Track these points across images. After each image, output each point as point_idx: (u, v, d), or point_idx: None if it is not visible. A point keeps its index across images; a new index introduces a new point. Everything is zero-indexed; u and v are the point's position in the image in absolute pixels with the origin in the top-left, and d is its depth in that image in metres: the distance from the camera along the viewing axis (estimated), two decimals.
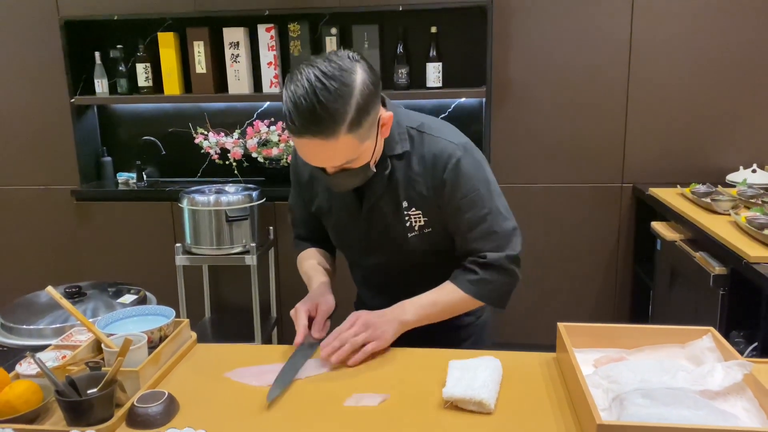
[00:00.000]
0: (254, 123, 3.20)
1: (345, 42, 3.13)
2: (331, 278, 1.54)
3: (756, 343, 1.87)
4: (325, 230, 1.54)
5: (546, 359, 1.30)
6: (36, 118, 3.30)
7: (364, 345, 1.29)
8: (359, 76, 1.17)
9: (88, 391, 1.07)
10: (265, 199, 2.90)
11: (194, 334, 1.40)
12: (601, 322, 1.33)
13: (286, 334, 3.15)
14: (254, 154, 3.13)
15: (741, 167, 2.91)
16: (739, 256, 1.94)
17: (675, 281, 2.52)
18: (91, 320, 1.25)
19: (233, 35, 3.13)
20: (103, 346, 1.19)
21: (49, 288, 1.26)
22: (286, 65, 3.18)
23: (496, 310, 1.51)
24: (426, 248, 1.41)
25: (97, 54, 3.24)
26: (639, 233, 3.05)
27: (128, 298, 2.18)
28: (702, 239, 2.25)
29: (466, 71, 3.14)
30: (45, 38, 3.18)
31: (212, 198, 2.75)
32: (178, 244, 2.79)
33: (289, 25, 3.09)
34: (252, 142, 3.11)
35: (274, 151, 3.08)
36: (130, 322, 1.35)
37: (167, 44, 3.16)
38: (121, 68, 3.25)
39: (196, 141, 3.19)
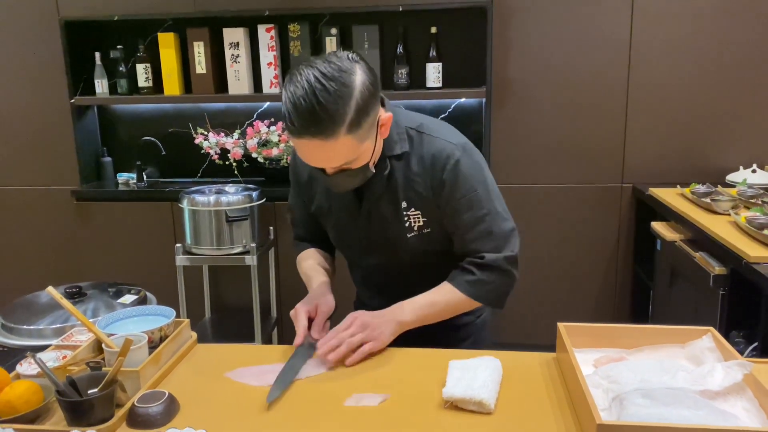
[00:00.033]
0: (254, 123, 3.20)
1: (345, 42, 3.13)
2: (330, 278, 1.54)
3: (756, 343, 1.87)
4: (324, 230, 1.54)
5: (546, 359, 1.30)
6: (36, 119, 3.30)
7: (361, 345, 1.30)
8: (358, 77, 1.17)
9: (89, 391, 1.08)
10: (265, 199, 2.90)
11: (194, 334, 1.40)
12: (601, 322, 1.33)
13: (286, 334, 3.16)
14: (254, 155, 3.13)
15: (741, 167, 2.92)
16: (738, 256, 1.94)
17: (675, 281, 2.52)
18: (91, 320, 1.25)
19: (233, 35, 3.13)
20: (103, 346, 1.19)
21: (50, 288, 1.26)
22: (286, 65, 3.18)
23: (494, 310, 1.52)
24: (425, 248, 1.41)
25: (97, 54, 3.25)
26: (639, 233, 3.05)
27: (128, 298, 2.18)
28: (702, 239, 2.25)
29: (466, 71, 3.14)
30: (45, 39, 3.18)
31: (212, 198, 2.75)
32: (178, 245, 2.79)
33: (289, 26, 3.10)
34: (252, 143, 3.11)
35: (274, 152, 3.08)
36: (131, 322, 1.35)
37: (167, 44, 3.17)
38: (121, 68, 3.25)
39: (196, 141, 3.19)
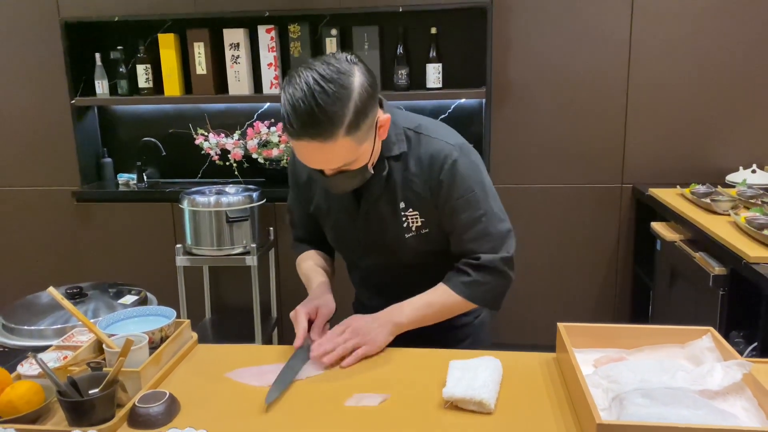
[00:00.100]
0: (254, 124, 3.20)
1: (345, 43, 3.13)
2: (330, 279, 1.55)
3: (755, 343, 1.87)
4: (323, 231, 1.55)
5: (546, 359, 1.30)
6: (37, 120, 3.30)
7: (355, 350, 1.30)
8: (357, 78, 1.17)
9: (90, 392, 1.08)
10: (265, 199, 2.90)
11: (195, 335, 1.41)
12: (601, 322, 1.33)
13: (286, 335, 3.16)
14: (254, 155, 3.13)
15: (741, 167, 2.92)
16: (738, 256, 1.94)
17: (675, 281, 2.52)
18: (92, 321, 1.25)
19: (233, 36, 3.14)
20: (104, 346, 1.20)
21: (51, 289, 1.26)
22: (287, 66, 3.19)
23: (492, 311, 1.52)
24: (423, 249, 1.41)
25: (97, 55, 3.25)
26: (639, 233, 3.05)
27: (129, 298, 2.18)
28: (702, 239, 2.25)
29: (466, 72, 3.14)
30: (45, 39, 3.18)
31: (213, 199, 2.75)
32: (178, 245, 2.80)
33: (289, 26, 3.10)
34: (252, 143, 3.11)
35: (275, 152, 3.09)
36: (131, 323, 1.35)
37: (167, 45, 3.17)
38: (121, 69, 3.26)
39: (197, 142, 3.19)
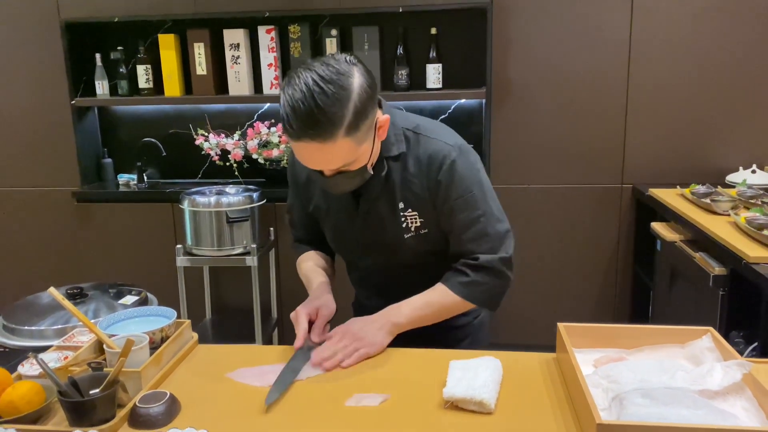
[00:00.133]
0: (255, 124, 3.20)
1: (345, 43, 3.13)
2: (330, 280, 1.55)
3: (755, 343, 1.87)
4: (323, 232, 1.55)
5: (546, 359, 1.30)
6: (37, 120, 3.30)
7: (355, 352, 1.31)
8: (356, 79, 1.17)
9: (91, 392, 1.08)
10: (265, 200, 2.90)
11: (195, 335, 1.41)
12: (601, 322, 1.33)
13: (286, 335, 3.16)
14: (255, 156, 3.13)
15: (741, 168, 2.92)
16: (738, 256, 1.94)
17: (675, 282, 2.53)
18: (92, 321, 1.25)
19: (233, 37, 3.14)
20: (105, 346, 1.20)
21: (52, 289, 1.26)
22: (287, 67, 3.19)
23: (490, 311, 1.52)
24: (422, 249, 1.41)
25: (97, 56, 3.25)
26: (639, 234, 3.05)
27: (129, 299, 2.18)
28: (702, 240, 2.25)
29: (466, 72, 3.14)
30: (46, 40, 3.19)
31: (213, 199, 2.76)
32: (178, 245, 2.80)
33: (289, 27, 3.10)
34: (252, 144, 3.11)
35: (275, 153, 3.09)
36: (132, 323, 1.36)
37: (168, 46, 3.17)
38: (121, 70, 3.26)
39: (197, 142, 3.20)
